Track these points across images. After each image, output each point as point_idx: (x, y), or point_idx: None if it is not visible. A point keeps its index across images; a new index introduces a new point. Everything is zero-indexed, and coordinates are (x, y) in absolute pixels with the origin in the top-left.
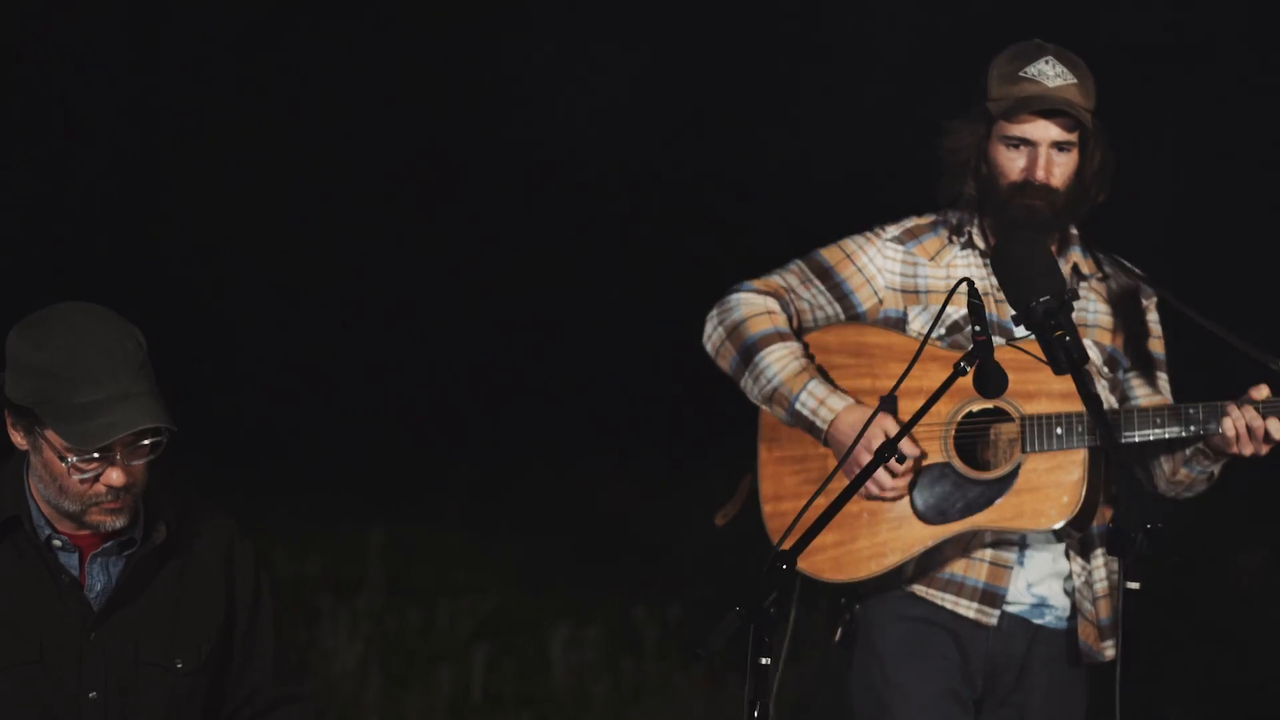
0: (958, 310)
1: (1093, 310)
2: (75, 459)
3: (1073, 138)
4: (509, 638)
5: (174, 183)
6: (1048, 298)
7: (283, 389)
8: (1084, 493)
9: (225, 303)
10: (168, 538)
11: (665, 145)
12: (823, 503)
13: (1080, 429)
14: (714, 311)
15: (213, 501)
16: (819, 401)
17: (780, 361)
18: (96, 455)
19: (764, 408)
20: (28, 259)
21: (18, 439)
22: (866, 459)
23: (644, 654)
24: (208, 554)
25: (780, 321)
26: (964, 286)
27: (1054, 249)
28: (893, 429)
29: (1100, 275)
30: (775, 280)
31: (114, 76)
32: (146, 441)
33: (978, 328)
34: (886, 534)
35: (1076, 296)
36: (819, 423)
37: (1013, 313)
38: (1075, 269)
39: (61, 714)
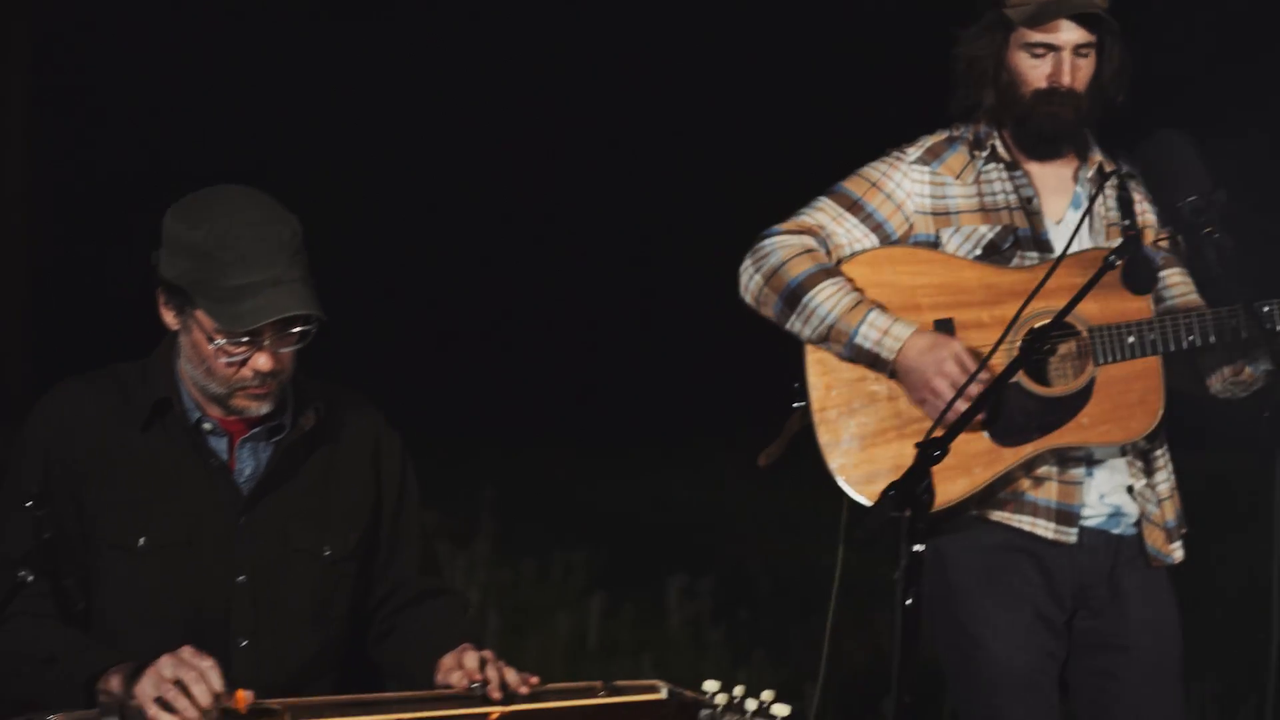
0: (990, 229)
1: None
2: (223, 341)
3: (1093, 39)
4: (624, 588)
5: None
6: (1194, 197)
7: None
8: (1164, 398)
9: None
10: (316, 425)
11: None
12: (896, 431)
13: (1152, 336)
14: (747, 261)
15: (360, 392)
16: (882, 332)
17: (832, 299)
18: (245, 339)
19: (819, 345)
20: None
21: (169, 318)
22: (942, 384)
23: (758, 605)
24: (355, 443)
25: (821, 258)
26: (1113, 179)
27: (1073, 154)
28: (964, 353)
29: (1125, 173)
30: (805, 219)
31: None
32: (296, 329)
33: (1127, 221)
34: (961, 460)
35: (1225, 197)
36: (884, 353)
37: (1049, 225)
38: (1099, 169)
39: (211, 597)
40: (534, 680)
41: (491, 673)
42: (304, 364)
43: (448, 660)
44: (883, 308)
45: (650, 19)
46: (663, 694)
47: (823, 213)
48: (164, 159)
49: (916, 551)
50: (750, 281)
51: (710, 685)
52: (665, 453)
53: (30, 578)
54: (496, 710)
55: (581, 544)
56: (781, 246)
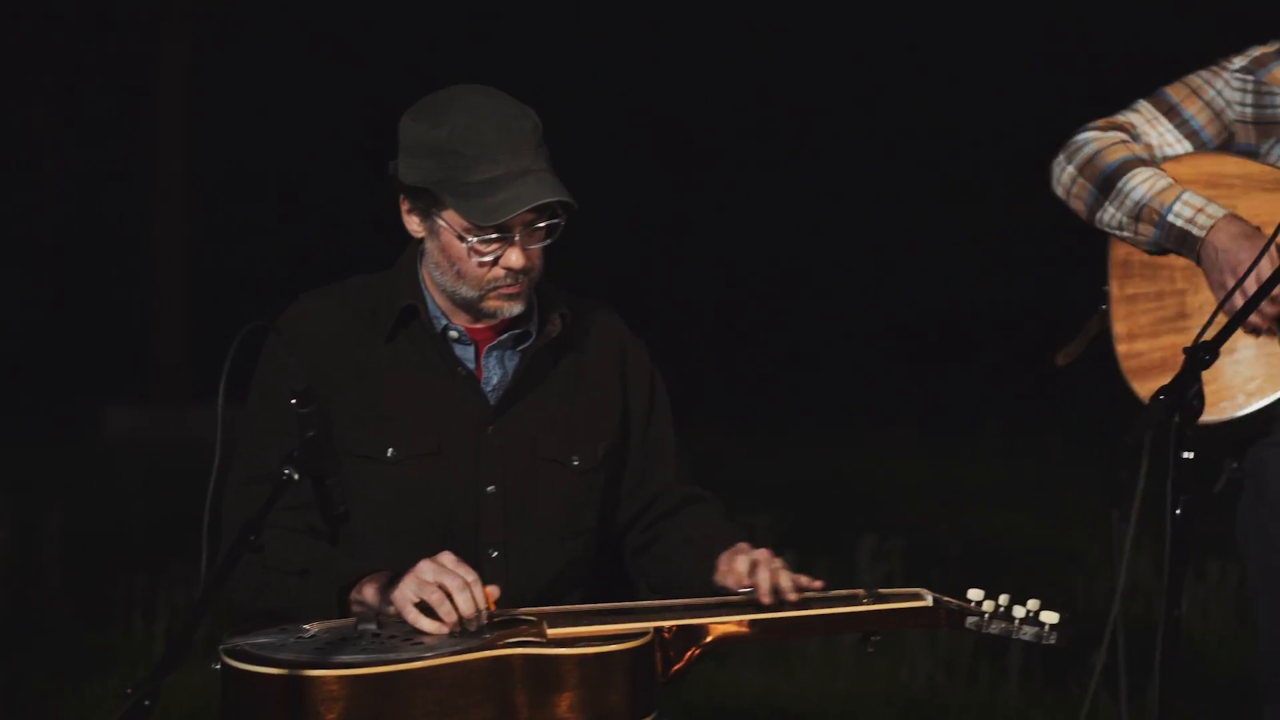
0: None
1: None
2: (475, 239)
3: None
4: (813, 548)
5: None
6: None
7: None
8: None
9: None
10: (561, 332)
11: None
12: (1180, 340)
13: None
14: (1060, 156)
15: (601, 299)
16: (1196, 209)
17: (1147, 181)
18: (495, 236)
19: (1125, 234)
20: None
21: (414, 225)
22: (1233, 281)
23: (948, 566)
24: (601, 352)
25: (1138, 149)
26: None
27: None
28: (1276, 252)
29: None
30: (1118, 118)
31: None
32: (543, 224)
33: None
34: (1260, 367)
35: None
36: (1195, 230)
37: None
38: None
39: (461, 508)
40: (817, 584)
41: (762, 576)
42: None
43: (723, 561)
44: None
45: None
46: (928, 601)
47: (1138, 114)
48: (320, 144)
49: (1185, 459)
50: (1063, 174)
51: (975, 594)
52: (840, 431)
53: (295, 476)
54: (740, 618)
55: (767, 509)
56: (1095, 139)
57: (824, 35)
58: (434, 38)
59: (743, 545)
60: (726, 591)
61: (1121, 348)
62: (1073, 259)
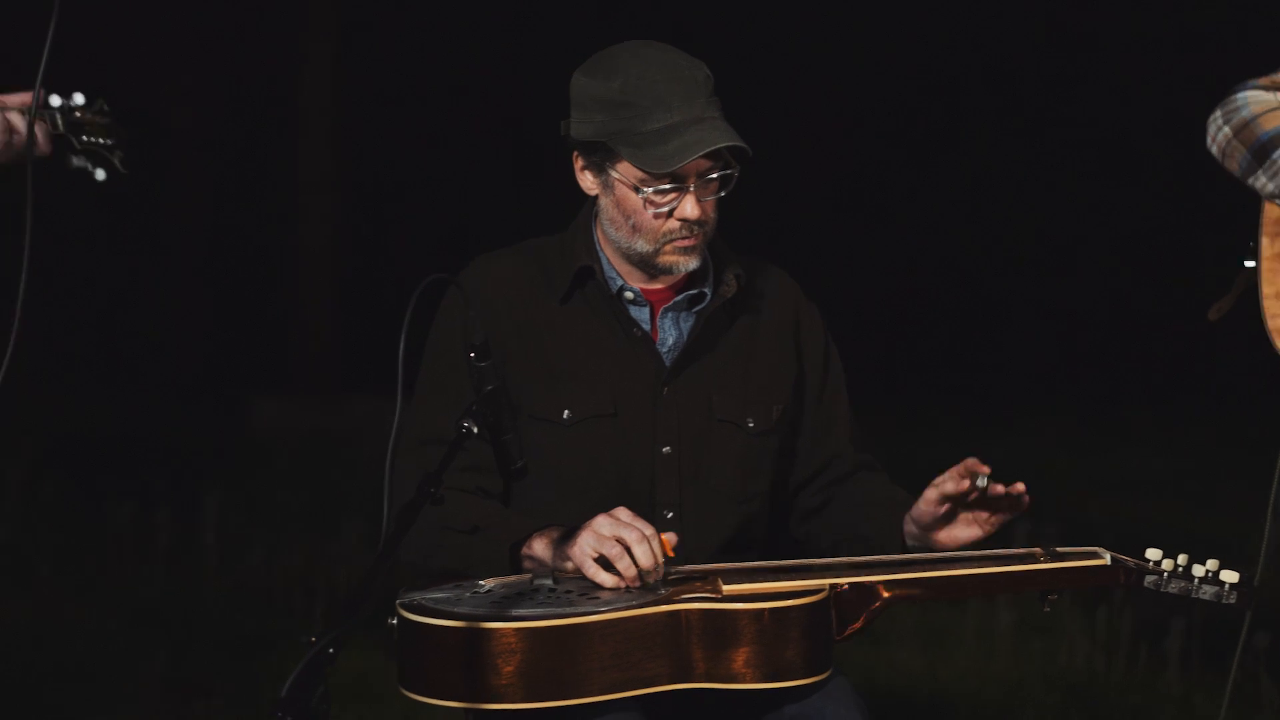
0: None
1: None
2: (650, 190)
3: None
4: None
5: None
6: None
7: None
8: None
9: None
10: (736, 294)
11: None
12: None
13: None
14: (1217, 113)
15: (772, 262)
16: None
17: None
18: (670, 186)
19: (1279, 203)
20: None
21: (587, 182)
22: None
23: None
24: (776, 314)
25: None
26: None
27: None
28: None
29: None
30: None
31: None
32: (716, 175)
33: None
34: None
35: None
36: None
37: None
38: None
39: (637, 469)
40: (1020, 487)
41: (974, 470)
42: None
43: (929, 489)
44: None
45: None
46: (1105, 559)
47: None
48: (462, 147)
49: None
50: (1219, 133)
51: (1153, 553)
52: (992, 420)
53: (475, 429)
54: (914, 575)
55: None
56: (1254, 101)
57: (978, 27)
58: (578, 33)
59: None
60: (917, 536)
61: (1269, 305)
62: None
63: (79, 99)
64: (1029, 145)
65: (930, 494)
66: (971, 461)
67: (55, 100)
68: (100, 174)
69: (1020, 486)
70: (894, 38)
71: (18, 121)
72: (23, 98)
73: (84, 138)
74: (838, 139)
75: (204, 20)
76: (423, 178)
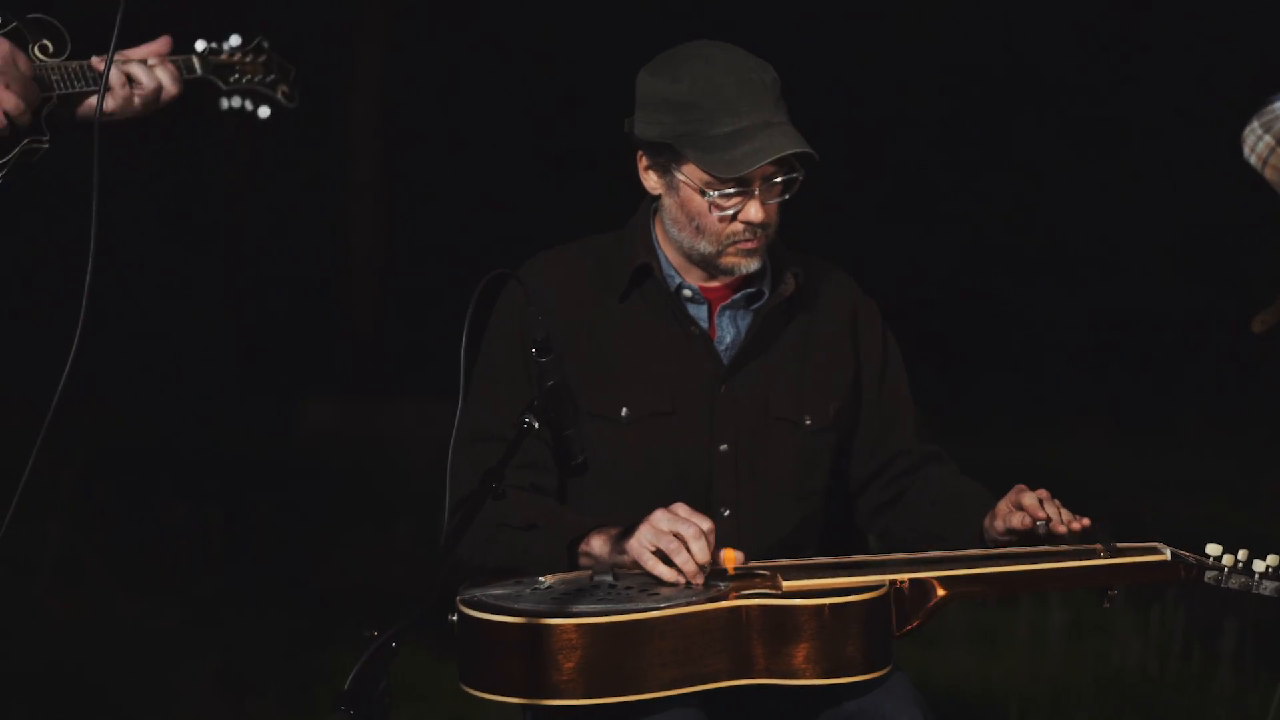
0: None
1: None
2: (715, 194)
3: None
4: None
5: None
6: None
7: None
8: None
9: None
10: (794, 292)
11: None
12: None
13: None
14: (1254, 123)
15: (831, 260)
16: None
17: None
18: (735, 190)
19: None
20: None
21: (651, 182)
22: None
23: None
24: (833, 312)
25: None
26: None
27: None
28: None
29: None
30: None
31: None
32: (781, 179)
33: None
34: None
35: None
36: None
37: None
38: None
39: (694, 467)
40: (1085, 521)
41: (1052, 510)
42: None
43: (1003, 505)
44: None
45: None
46: (1166, 555)
47: None
48: (510, 148)
49: None
50: (1258, 143)
51: (1213, 549)
52: (1038, 422)
53: (536, 424)
54: (975, 571)
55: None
56: None
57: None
58: (627, 33)
59: (1022, 486)
60: (1005, 539)
61: None
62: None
63: (234, 41)
64: (1077, 145)
65: (998, 525)
66: (1030, 504)
67: (199, 45)
68: (264, 111)
69: (1078, 525)
70: (947, 39)
71: (139, 73)
72: (154, 47)
73: (234, 78)
74: (880, 138)
75: (253, 23)
76: (471, 180)
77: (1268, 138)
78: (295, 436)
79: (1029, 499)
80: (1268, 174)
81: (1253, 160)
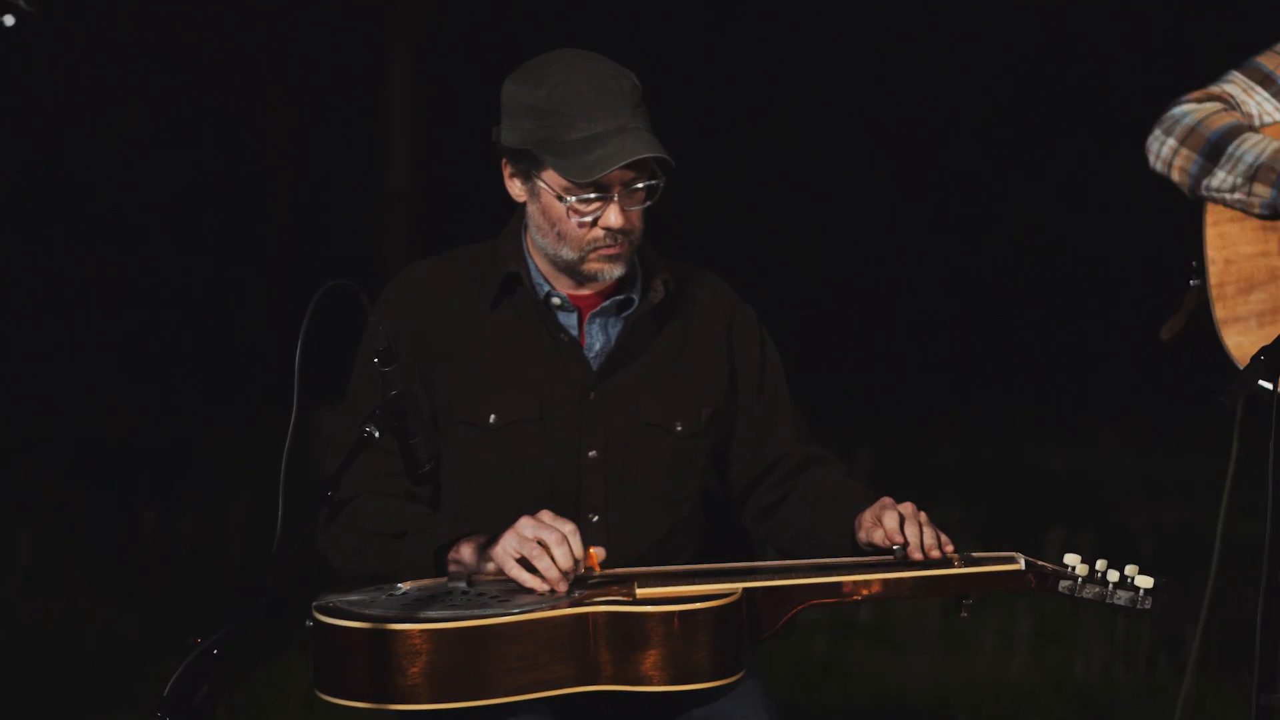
0: None
1: None
2: (574, 199)
3: None
4: (999, 540)
5: None
6: None
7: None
8: None
9: None
10: (665, 298)
11: None
12: None
13: None
14: (1156, 131)
15: (708, 269)
16: None
17: (1260, 144)
18: (594, 196)
19: (1235, 197)
20: None
21: (515, 189)
22: None
23: (1141, 561)
24: (707, 317)
25: (1240, 117)
26: None
27: None
28: None
29: None
30: (1214, 89)
31: None
32: (642, 185)
33: None
34: None
35: None
36: None
37: None
38: None
39: (563, 473)
40: (949, 547)
41: (912, 531)
42: (648, 231)
43: (868, 517)
44: None
45: None
46: (1020, 565)
47: (1233, 85)
48: None
49: None
50: (1162, 148)
51: (1071, 558)
52: (1032, 425)
53: (376, 434)
54: (832, 580)
55: (955, 501)
56: (1194, 110)
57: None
58: (655, 40)
59: (888, 500)
60: (869, 549)
61: (1230, 338)
62: None
63: None
64: (1098, 154)
65: (860, 535)
66: (891, 527)
67: None
68: (8, 19)
69: (937, 554)
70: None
71: None
72: None
73: None
74: (920, 147)
75: (287, 31)
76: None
77: (1170, 140)
78: (310, 443)
79: (890, 520)
80: (1174, 176)
81: (1159, 166)
